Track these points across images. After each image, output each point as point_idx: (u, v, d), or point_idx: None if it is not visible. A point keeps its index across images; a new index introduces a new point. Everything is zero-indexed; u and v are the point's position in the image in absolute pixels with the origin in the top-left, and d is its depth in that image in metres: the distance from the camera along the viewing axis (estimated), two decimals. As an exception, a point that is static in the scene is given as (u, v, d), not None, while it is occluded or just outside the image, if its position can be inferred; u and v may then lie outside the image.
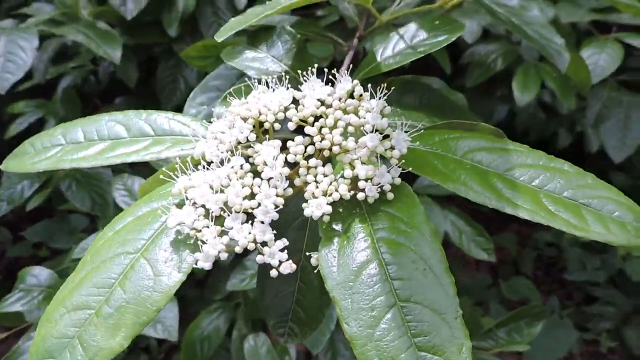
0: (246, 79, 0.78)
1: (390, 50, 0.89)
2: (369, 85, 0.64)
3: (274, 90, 0.65)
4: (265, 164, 0.57)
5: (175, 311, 1.38)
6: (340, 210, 0.59)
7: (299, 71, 0.67)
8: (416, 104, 0.88)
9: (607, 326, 2.56)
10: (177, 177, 0.61)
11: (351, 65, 0.84)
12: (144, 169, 2.19)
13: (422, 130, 0.66)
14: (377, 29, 1.01)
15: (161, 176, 0.63)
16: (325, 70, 0.66)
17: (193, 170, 0.61)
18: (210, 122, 0.68)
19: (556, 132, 2.43)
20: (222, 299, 1.80)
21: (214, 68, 1.05)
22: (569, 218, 0.55)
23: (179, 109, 0.95)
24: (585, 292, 2.78)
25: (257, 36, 0.91)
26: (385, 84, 0.64)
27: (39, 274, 1.43)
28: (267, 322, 0.85)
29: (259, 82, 0.68)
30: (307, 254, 0.59)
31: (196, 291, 2.48)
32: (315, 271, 0.56)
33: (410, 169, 0.61)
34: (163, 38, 2.05)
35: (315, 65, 0.67)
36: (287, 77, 0.68)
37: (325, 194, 0.57)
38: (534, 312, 1.71)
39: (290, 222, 0.76)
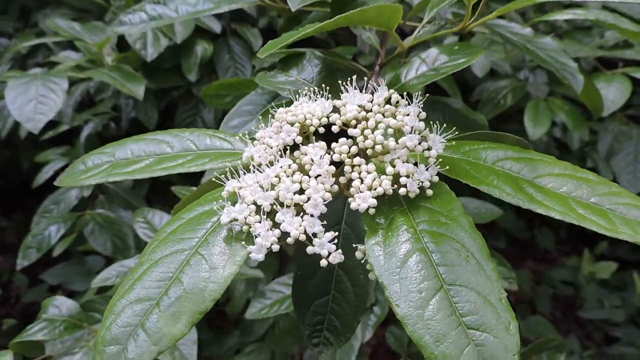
0: (283, 96, 0.83)
1: (414, 72, 0.95)
2: (405, 93, 0.69)
3: (314, 100, 0.70)
4: (312, 162, 0.61)
5: (194, 337, 1.36)
6: (382, 206, 0.63)
7: (340, 81, 0.72)
8: (440, 121, 0.92)
9: (630, 368, 2.51)
10: (227, 180, 0.65)
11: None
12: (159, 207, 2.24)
13: (453, 143, 0.70)
14: (398, 56, 1.07)
15: (213, 179, 0.66)
16: (365, 79, 0.71)
17: (243, 173, 0.65)
18: (250, 138, 0.73)
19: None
20: (256, 340, 1.81)
21: (231, 106, 1.10)
22: (598, 220, 0.58)
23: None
24: (605, 332, 2.74)
25: (287, 62, 0.97)
26: (420, 93, 0.69)
27: (61, 304, 1.42)
28: (302, 333, 0.87)
29: (299, 94, 0.73)
30: (354, 245, 0.62)
31: (210, 335, 2.47)
32: (363, 261, 0.58)
33: (447, 167, 0.64)
34: (182, 82, 2.15)
35: (354, 77, 0.72)
36: (324, 91, 0.73)
37: (369, 188, 0.61)
38: (554, 345, 1.69)
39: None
